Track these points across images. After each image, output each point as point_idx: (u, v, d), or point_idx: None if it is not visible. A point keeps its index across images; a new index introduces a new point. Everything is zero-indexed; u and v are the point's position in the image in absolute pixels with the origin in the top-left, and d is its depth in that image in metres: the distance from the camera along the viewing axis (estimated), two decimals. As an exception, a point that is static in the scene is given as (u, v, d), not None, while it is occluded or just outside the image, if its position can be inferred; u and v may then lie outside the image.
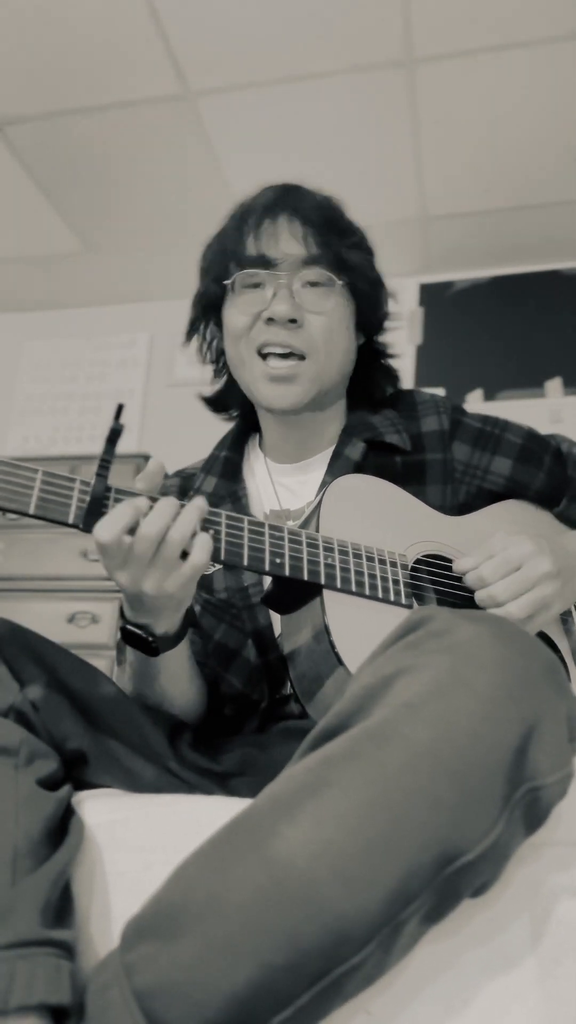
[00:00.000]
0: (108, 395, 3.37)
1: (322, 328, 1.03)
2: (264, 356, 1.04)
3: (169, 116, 2.50)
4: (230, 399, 1.21)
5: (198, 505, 0.80)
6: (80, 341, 3.49)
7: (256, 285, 1.04)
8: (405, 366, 3.10)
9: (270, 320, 1.02)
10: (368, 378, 1.17)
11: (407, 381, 3.06)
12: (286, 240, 1.03)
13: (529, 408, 2.92)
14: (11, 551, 2.66)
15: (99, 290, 3.40)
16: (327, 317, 1.04)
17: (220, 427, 1.26)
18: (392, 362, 1.20)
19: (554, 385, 2.97)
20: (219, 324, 1.12)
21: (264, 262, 1.03)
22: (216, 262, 1.08)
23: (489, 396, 3.01)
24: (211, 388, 1.22)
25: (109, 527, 0.75)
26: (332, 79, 2.35)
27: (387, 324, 1.16)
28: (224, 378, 1.20)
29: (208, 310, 1.13)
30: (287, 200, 1.05)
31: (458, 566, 0.93)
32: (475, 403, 2.99)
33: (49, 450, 3.32)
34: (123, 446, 3.17)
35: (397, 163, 2.64)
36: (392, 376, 1.20)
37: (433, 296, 3.17)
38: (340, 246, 1.04)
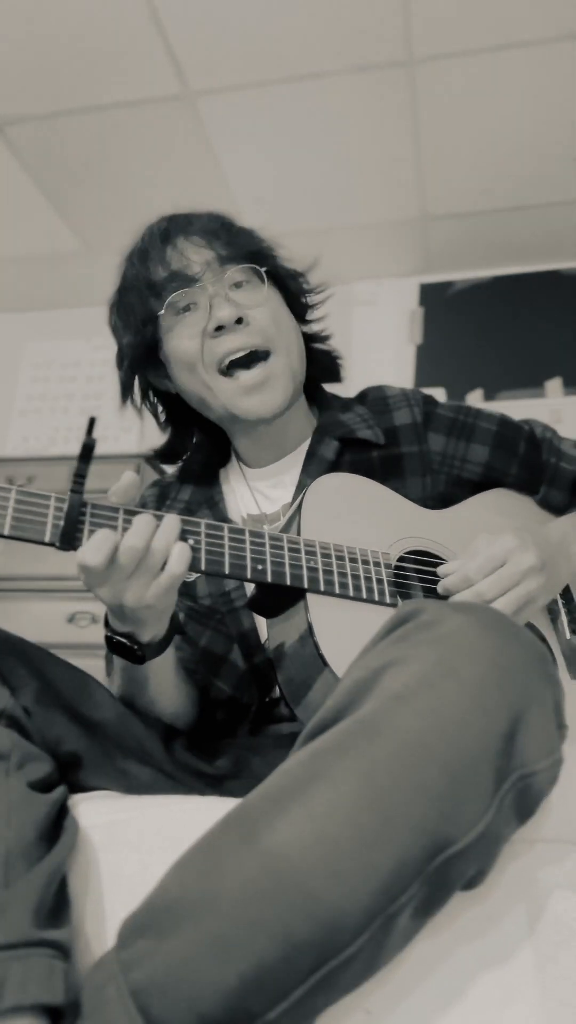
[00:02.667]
0: (108, 395, 3.37)
1: (269, 318, 1.03)
2: (230, 373, 1.02)
3: (169, 116, 2.50)
4: (184, 444, 1.20)
5: (175, 517, 0.80)
6: (80, 341, 3.49)
7: (187, 308, 1.02)
8: (405, 366, 3.10)
9: (218, 329, 1.00)
10: (312, 365, 1.15)
11: (407, 381, 3.06)
12: (194, 252, 1.02)
13: (529, 408, 2.91)
14: (11, 551, 2.66)
15: (99, 290, 3.36)
16: (267, 307, 1.03)
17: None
18: (329, 344, 1.19)
19: (554, 385, 2.97)
20: (157, 372, 1.11)
21: (185, 279, 1.01)
22: (133, 310, 1.06)
23: (489, 396, 3.00)
24: (160, 443, 1.21)
25: (96, 550, 0.75)
26: (332, 79, 2.34)
27: (312, 300, 1.16)
28: (170, 429, 1.19)
29: (137, 365, 1.11)
30: (176, 226, 1.05)
31: (443, 571, 0.92)
32: (475, 403, 2.98)
33: (49, 450, 3.31)
34: (123, 446, 3.13)
35: (397, 163, 2.64)
36: (333, 358, 1.19)
37: (433, 296, 3.16)
38: (246, 240, 1.05)
